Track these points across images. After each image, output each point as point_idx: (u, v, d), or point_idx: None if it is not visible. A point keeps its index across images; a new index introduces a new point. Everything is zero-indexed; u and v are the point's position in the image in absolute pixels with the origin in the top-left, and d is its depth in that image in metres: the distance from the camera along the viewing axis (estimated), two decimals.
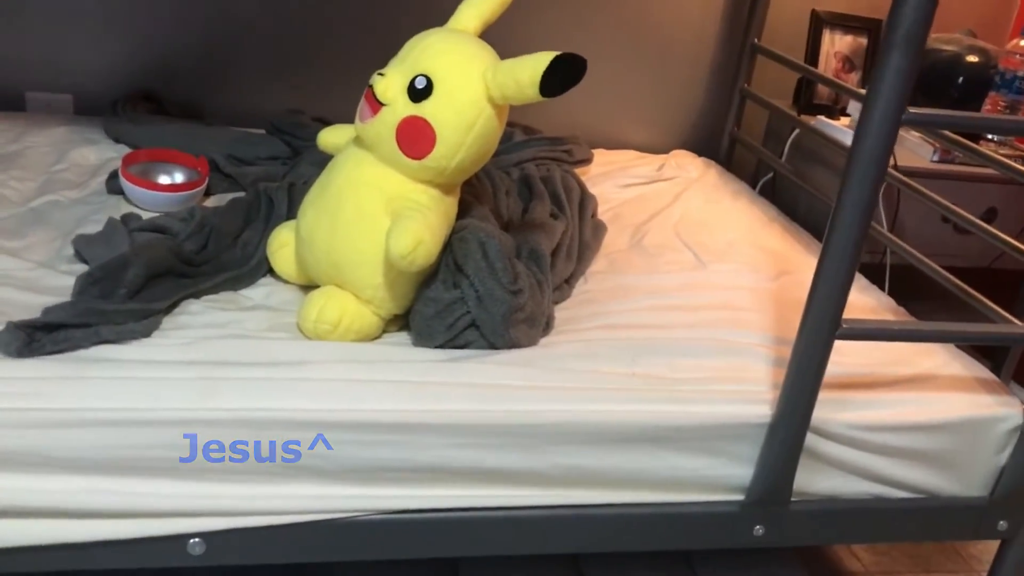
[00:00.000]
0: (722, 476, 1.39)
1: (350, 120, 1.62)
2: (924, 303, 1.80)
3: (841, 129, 2.08)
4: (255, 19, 2.17)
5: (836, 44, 2.31)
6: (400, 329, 1.48)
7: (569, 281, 1.65)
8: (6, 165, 1.81)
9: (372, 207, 1.38)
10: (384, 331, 1.46)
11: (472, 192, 1.61)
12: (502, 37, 1.49)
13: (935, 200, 1.70)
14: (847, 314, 1.29)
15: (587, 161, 2.21)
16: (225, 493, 1.23)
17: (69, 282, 1.40)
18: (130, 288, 1.33)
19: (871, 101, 1.18)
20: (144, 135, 1.96)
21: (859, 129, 1.19)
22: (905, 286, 1.90)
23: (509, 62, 1.31)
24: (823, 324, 1.29)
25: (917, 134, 2.11)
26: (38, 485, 1.17)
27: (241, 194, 1.78)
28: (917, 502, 1.49)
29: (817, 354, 1.31)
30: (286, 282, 1.54)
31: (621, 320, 1.54)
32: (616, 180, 2.18)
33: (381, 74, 1.37)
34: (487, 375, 1.32)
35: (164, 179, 1.79)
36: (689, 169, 2.29)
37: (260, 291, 1.51)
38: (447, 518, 1.32)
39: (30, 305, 1.34)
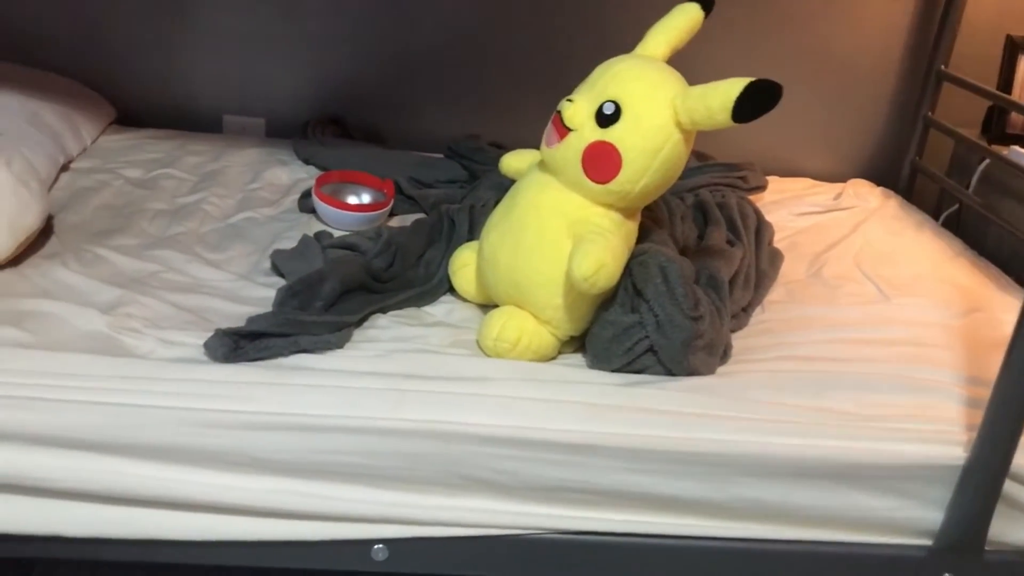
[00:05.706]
0: (910, 519, 1.33)
1: (523, 144, 1.66)
2: None
3: None
4: (434, 48, 2.25)
5: None
6: (575, 351, 1.49)
7: (746, 309, 1.62)
8: (208, 183, 1.95)
9: (554, 230, 1.40)
10: (560, 352, 1.47)
11: (651, 217, 1.61)
12: (686, 62, 1.49)
13: None
14: None
15: (761, 188, 2.17)
16: (408, 502, 1.27)
17: (267, 293, 1.48)
18: (326, 301, 1.40)
19: None
20: (332, 157, 2.06)
21: None
22: None
23: (700, 88, 1.30)
24: None
25: None
26: (240, 483, 1.23)
27: (422, 215, 1.84)
28: None
29: (1019, 396, 1.24)
30: (466, 300, 1.58)
31: (802, 352, 1.50)
32: (791, 208, 2.13)
33: (570, 100, 1.38)
34: (667, 401, 1.31)
35: (353, 199, 1.87)
36: (868, 199, 2.21)
37: (442, 308, 1.56)
38: (622, 543, 1.32)
39: (233, 314, 1.43)
